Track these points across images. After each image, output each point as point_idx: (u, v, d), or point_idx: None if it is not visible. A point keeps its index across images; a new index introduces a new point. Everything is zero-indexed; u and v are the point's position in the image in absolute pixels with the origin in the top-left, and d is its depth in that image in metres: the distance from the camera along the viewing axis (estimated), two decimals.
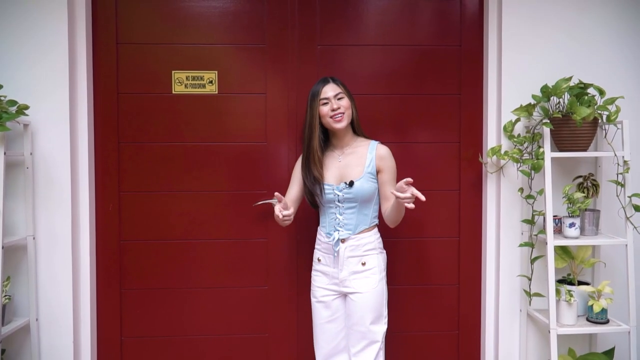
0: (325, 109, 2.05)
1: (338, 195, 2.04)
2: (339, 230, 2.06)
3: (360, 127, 2.16)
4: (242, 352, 2.49)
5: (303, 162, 2.11)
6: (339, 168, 2.08)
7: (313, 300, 2.16)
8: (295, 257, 2.47)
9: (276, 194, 1.93)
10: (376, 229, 2.12)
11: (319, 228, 2.16)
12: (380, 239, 2.12)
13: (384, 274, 2.09)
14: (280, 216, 1.93)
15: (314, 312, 2.16)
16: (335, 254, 2.06)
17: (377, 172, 2.07)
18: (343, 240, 2.05)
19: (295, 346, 2.49)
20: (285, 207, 1.96)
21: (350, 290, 2.05)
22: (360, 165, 2.06)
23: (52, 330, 2.29)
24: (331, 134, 2.13)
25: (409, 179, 1.83)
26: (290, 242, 2.47)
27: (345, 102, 2.06)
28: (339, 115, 2.04)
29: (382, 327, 2.06)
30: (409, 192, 1.81)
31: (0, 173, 2.05)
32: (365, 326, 2.02)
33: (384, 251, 2.14)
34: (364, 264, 2.04)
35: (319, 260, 2.14)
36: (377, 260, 2.07)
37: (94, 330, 2.41)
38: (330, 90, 2.05)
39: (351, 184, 2.02)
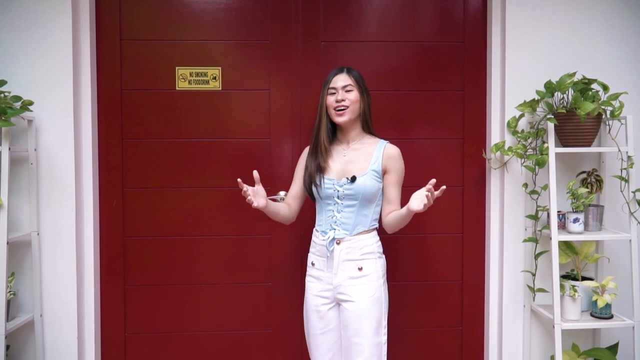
0: (330, 99, 1.98)
1: (338, 191, 1.94)
2: (335, 229, 1.95)
3: (370, 125, 2.04)
4: (245, 349, 2.49)
5: (310, 151, 2.04)
6: (342, 163, 1.98)
7: (306, 307, 2.04)
8: (299, 254, 2.47)
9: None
10: (375, 233, 2.00)
11: (314, 229, 2.07)
12: (379, 243, 2.00)
13: (382, 280, 1.96)
14: (252, 202, 1.88)
15: (306, 321, 2.04)
16: (329, 254, 1.95)
17: (384, 172, 1.97)
18: (339, 242, 1.94)
19: (298, 342, 2.49)
20: (254, 194, 1.90)
21: (345, 297, 1.92)
22: (365, 162, 1.95)
23: (56, 326, 2.29)
24: (337, 126, 2.03)
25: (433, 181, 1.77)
26: (293, 239, 2.47)
27: (352, 96, 1.96)
28: (342, 107, 1.95)
29: (381, 339, 1.91)
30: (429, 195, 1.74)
31: (5, 169, 2.05)
32: (363, 338, 1.88)
33: (384, 256, 2.02)
34: (360, 268, 1.92)
35: (312, 264, 2.03)
36: (375, 266, 1.94)
37: (97, 326, 2.42)
38: (340, 80, 1.97)
39: (353, 179, 1.92)
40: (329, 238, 1.95)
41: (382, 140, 2.03)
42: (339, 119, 1.97)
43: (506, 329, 2.43)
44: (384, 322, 1.95)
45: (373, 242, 1.97)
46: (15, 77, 2.21)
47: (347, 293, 1.92)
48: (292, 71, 2.44)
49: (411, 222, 2.47)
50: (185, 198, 2.43)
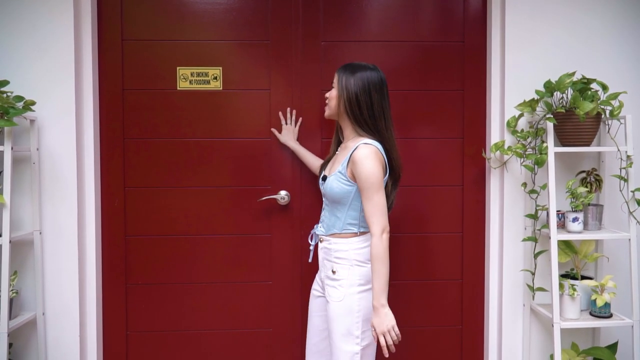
0: None
1: (321, 188, 2.00)
2: (318, 226, 2.02)
3: (361, 126, 1.88)
4: (246, 347, 2.50)
5: None
6: (331, 162, 2.02)
7: None
8: (300, 253, 2.48)
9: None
10: (354, 240, 1.89)
11: None
12: (360, 252, 1.88)
13: (358, 289, 1.86)
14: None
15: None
16: (312, 248, 2.03)
17: (353, 177, 1.85)
18: (321, 240, 1.97)
19: (299, 341, 2.50)
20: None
21: (325, 295, 1.95)
22: (340, 163, 1.90)
23: (58, 325, 2.31)
24: None
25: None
26: (294, 238, 2.48)
27: (331, 93, 1.96)
28: (326, 105, 2.00)
29: (352, 348, 1.84)
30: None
31: (8, 168, 2.07)
32: (332, 340, 1.88)
33: (367, 265, 1.88)
34: (334, 272, 1.90)
35: None
36: (349, 273, 1.87)
37: (99, 325, 2.43)
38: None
39: (324, 178, 1.95)
40: (312, 233, 2.04)
41: (361, 141, 1.85)
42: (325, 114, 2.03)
43: (506, 327, 2.43)
44: (357, 333, 1.85)
45: (349, 248, 1.89)
46: (17, 77, 2.23)
47: (326, 291, 1.95)
48: (292, 71, 2.45)
49: (411, 222, 2.51)
50: (186, 197, 2.45)
